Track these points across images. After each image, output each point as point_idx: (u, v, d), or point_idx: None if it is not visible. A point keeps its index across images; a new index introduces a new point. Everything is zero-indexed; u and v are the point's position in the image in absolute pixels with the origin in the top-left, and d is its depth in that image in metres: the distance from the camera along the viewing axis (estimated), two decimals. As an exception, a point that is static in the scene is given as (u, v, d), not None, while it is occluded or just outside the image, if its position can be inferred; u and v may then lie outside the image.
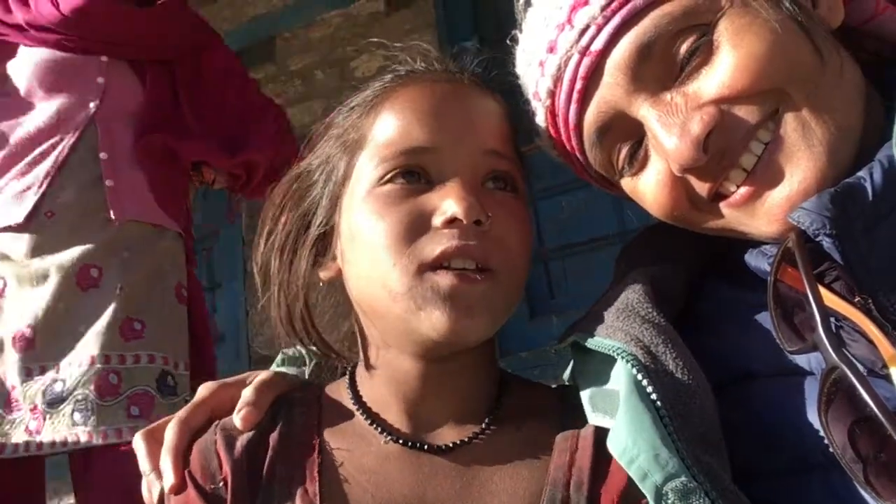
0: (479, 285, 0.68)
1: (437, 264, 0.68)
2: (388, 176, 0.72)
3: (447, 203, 0.69)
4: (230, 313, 3.29)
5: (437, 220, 0.69)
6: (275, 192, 0.83)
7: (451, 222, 0.69)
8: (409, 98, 0.75)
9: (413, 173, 0.72)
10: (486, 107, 0.77)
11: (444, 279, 0.67)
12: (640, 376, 0.64)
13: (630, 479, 0.64)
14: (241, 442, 0.73)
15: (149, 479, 0.76)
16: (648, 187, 0.73)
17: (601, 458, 0.68)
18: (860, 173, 0.63)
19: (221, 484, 0.70)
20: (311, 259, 0.80)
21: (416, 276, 0.68)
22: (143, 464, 0.77)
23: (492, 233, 0.70)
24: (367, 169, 0.74)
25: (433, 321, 0.67)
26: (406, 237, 0.69)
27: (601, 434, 0.69)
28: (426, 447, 0.72)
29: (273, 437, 0.74)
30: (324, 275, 0.80)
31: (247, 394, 0.77)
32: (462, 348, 0.71)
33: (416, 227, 0.70)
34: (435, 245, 0.68)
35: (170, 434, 0.75)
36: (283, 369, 0.88)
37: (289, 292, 0.80)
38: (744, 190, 0.67)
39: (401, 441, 0.73)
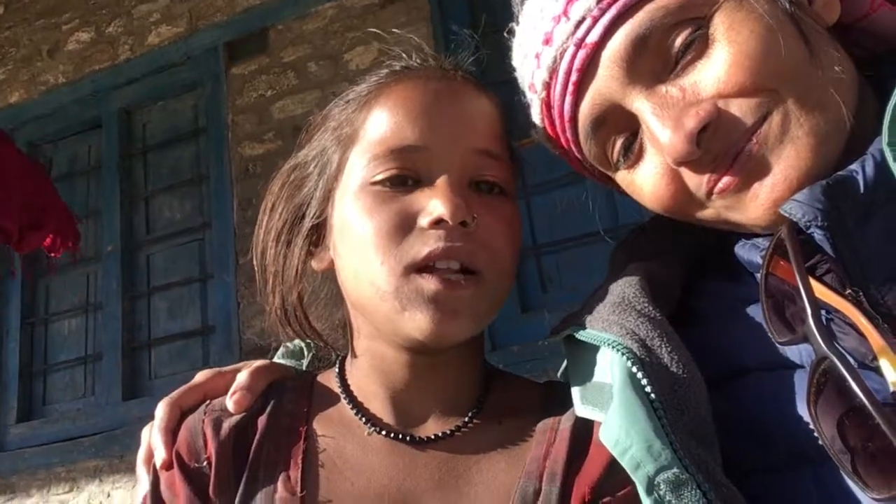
0: (463, 290, 0.69)
1: (424, 265, 0.69)
2: (379, 174, 0.73)
3: (433, 204, 0.70)
4: (221, 304, 3.28)
5: (424, 221, 0.70)
6: (272, 183, 0.84)
7: (438, 223, 0.69)
8: (401, 95, 0.76)
9: (404, 178, 0.73)
10: (479, 105, 0.77)
11: (428, 283, 0.68)
12: (634, 369, 0.64)
13: (605, 472, 0.66)
14: (228, 424, 0.74)
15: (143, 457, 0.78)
16: (645, 180, 0.73)
17: (577, 451, 0.69)
18: (852, 166, 0.64)
19: (206, 463, 0.72)
20: (304, 249, 0.80)
21: (403, 276, 0.69)
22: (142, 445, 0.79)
23: (478, 234, 0.71)
24: (359, 165, 0.75)
25: (417, 322, 0.69)
26: (393, 237, 0.70)
27: (580, 426, 0.70)
28: (408, 438, 0.73)
29: (261, 422, 0.75)
30: (316, 265, 0.81)
31: (241, 378, 0.78)
32: (445, 347, 0.72)
33: (404, 227, 0.70)
34: (421, 246, 0.69)
35: (161, 413, 0.77)
36: (283, 361, 0.89)
37: (283, 282, 0.81)
38: (727, 178, 0.67)
39: (383, 432, 0.74)
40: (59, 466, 3.39)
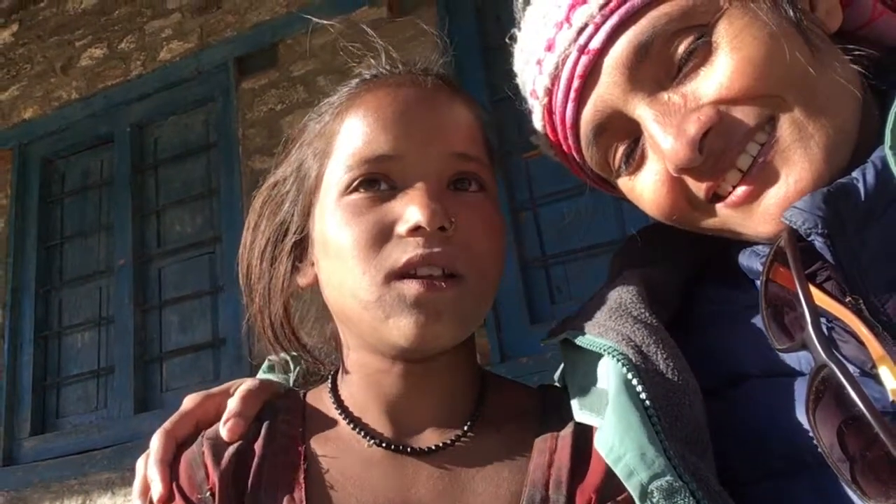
0: (445, 292, 0.68)
1: (404, 272, 0.68)
2: (354, 185, 0.72)
3: (410, 211, 0.69)
4: (231, 317, 3.29)
5: (402, 229, 0.69)
6: (254, 201, 0.84)
7: (416, 230, 0.69)
8: (372, 104, 0.75)
9: (377, 182, 0.72)
10: (452, 109, 0.77)
11: (410, 287, 0.68)
12: (630, 375, 0.64)
13: (605, 476, 0.65)
14: (227, 452, 0.73)
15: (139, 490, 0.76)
16: (646, 187, 0.73)
17: (580, 457, 0.69)
18: (853, 174, 0.63)
19: (209, 494, 0.70)
20: (289, 266, 0.80)
21: (384, 285, 0.69)
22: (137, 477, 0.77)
23: (457, 237, 0.70)
24: (335, 177, 0.74)
25: (401, 328, 0.68)
26: (373, 246, 0.70)
27: (580, 433, 0.70)
28: (409, 450, 0.73)
29: (258, 445, 0.74)
30: (301, 281, 0.80)
31: (232, 404, 0.77)
32: (435, 352, 0.72)
33: (382, 236, 0.70)
34: (400, 254, 0.69)
35: (156, 445, 0.75)
36: (268, 376, 0.88)
37: (270, 300, 0.80)
38: (741, 190, 0.67)
39: (383, 444, 0.73)
40: (71, 479, 3.39)
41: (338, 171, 0.74)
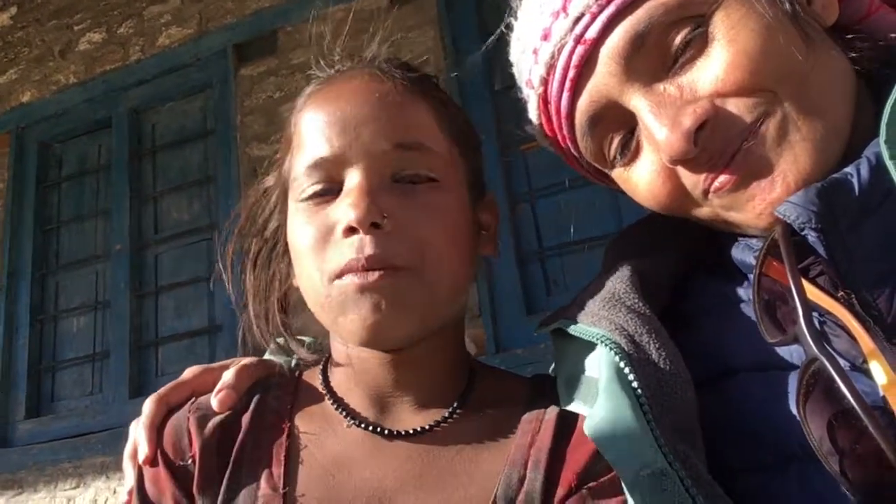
0: (383, 281, 0.68)
1: (344, 273, 0.69)
2: (303, 190, 0.74)
3: (344, 211, 0.69)
4: (228, 304, 3.26)
5: (338, 231, 0.70)
6: (247, 205, 0.86)
7: (350, 230, 0.69)
8: (316, 106, 0.76)
9: (321, 184, 0.73)
10: (397, 99, 0.74)
11: (349, 284, 0.69)
12: (622, 364, 0.64)
13: (589, 460, 0.66)
14: (213, 422, 0.74)
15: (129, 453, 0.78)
16: (641, 178, 0.73)
17: (561, 439, 0.69)
18: (847, 169, 0.63)
19: (190, 461, 0.72)
20: (284, 268, 0.82)
21: (329, 285, 0.70)
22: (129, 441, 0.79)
23: (397, 231, 0.69)
24: (295, 183, 0.76)
25: (349, 325, 0.69)
26: (319, 250, 0.71)
27: (564, 416, 0.70)
28: (386, 432, 0.74)
29: (245, 419, 0.75)
30: (296, 281, 0.81)
31: (227, 376, 0.78)
32: (398, 344, 0.72)
33: (326, 239, 0.71)
34: (339, 258, 0.69)
35: (147, 409, 0.77)
36: (273, 358, 0.89)
37: (266, 300, 0.83)
38: (723, 178, 0.67)
39: (363, 426, 0.74)
40: (66, 462, 3.40)
41: (293, 176, 0.76)
